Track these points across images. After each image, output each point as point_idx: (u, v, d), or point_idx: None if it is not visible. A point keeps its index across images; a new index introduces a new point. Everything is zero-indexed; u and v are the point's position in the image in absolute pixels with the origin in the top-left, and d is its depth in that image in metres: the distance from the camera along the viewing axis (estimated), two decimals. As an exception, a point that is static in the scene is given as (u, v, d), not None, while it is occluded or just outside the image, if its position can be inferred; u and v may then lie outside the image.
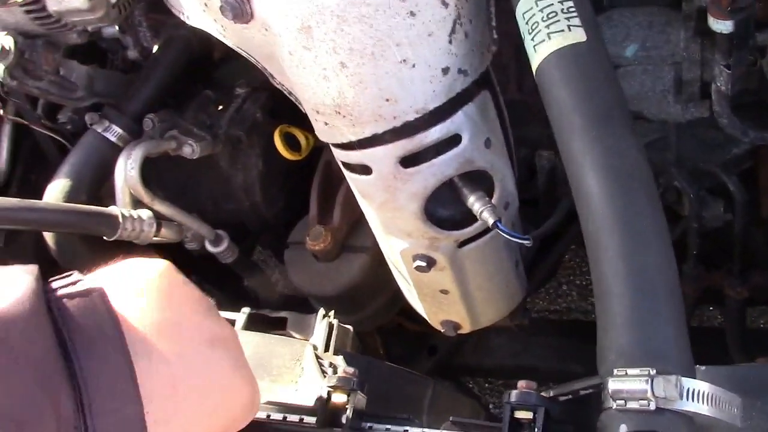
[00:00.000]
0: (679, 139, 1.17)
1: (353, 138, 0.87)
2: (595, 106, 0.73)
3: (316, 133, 0.93)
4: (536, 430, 0.65)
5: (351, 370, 0.73)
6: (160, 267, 0.59)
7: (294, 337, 0.97)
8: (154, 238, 1.12)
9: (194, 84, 1.32)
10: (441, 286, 1.02)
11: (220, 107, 1.31)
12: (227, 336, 0.60)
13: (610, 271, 0.67)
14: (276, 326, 1.05)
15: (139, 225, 1.08)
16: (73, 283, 0.53)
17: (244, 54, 0.95)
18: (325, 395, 0.71)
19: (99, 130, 1.21)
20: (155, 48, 1.31)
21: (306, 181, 1.38)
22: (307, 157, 1.35)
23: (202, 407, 0.56)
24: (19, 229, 0.98)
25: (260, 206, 1.33)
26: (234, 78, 1.35)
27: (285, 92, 0.96)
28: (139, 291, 0.56)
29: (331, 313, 0.98)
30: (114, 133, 1.21)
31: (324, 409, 0.70)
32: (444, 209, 0.93)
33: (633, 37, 1.12)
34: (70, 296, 0.52)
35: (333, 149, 0.93)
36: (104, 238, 1.06)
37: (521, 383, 0.68)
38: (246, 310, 1.08)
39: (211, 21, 0.94)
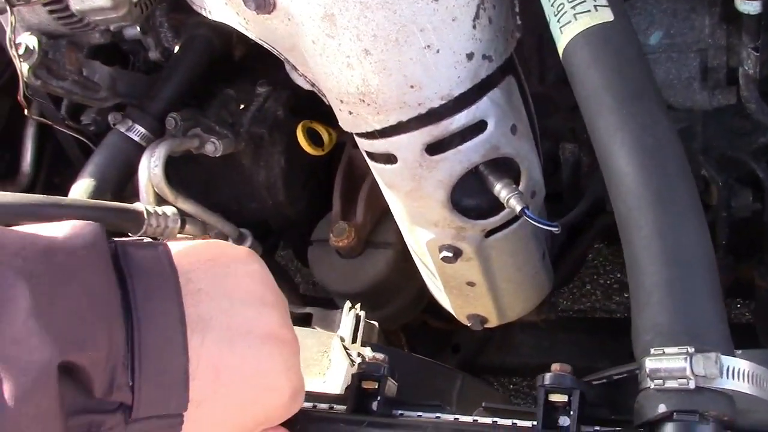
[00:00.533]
0: (706, 127, 1.16)
1: (378, 126, 0.87)
2: (625, 84, 0.72)
3: (340, 123, 0.93)
4: (571, 413, 0.64)
5: (381, 356, 0.72)
6: (241, 252, 0.59)
7: (320, 331, 0.97)
8: (179, 235, 1.11)
9: (215, 83, 1.32)
10: (467, 277, 1.01)
11: (242, 106, 1.31)
12: (283, 336, 0.59)
13: (644, 250, 0.65)
14: (301, 322, 1.04)
15: (163, 221, 1.07)
16: (140, 239, 0.54)
17: (267, 46, 0.94)
18: (355, 382, 0.70)
19: (122, 130, 1.22)
20: (176, 48, 1.31)
21: (328, 179, 1.38)
22: (328, 155, 1.35)
23: (240, 399, 0.56)
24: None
25: (283, 204, 1.32)
26: (255, 77, 1.35)
27: (308, 84, 0.96)
28: (212, 266, 0.56)
29: (357, 305, 0.97)
30: (137, 132, 1.22)
31: (354, 395, 0.69)
32: (470, 198, 0.92)
33: (657, 25, 1.11)
34: (135, 245, 0.53)
35: (357, 139, 0.92)
36: (129, 234, 1.06)
37: (555, 366, 0.67)
38: (270, 306, 1.08)
39: (233, 14, 0.94)
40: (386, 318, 1.31)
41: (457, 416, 0.70)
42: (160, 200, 1.16)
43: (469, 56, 0.83)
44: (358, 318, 0.91)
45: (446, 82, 0.83)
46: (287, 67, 1.25)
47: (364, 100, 0.85)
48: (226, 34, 1.30)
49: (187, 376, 0.51)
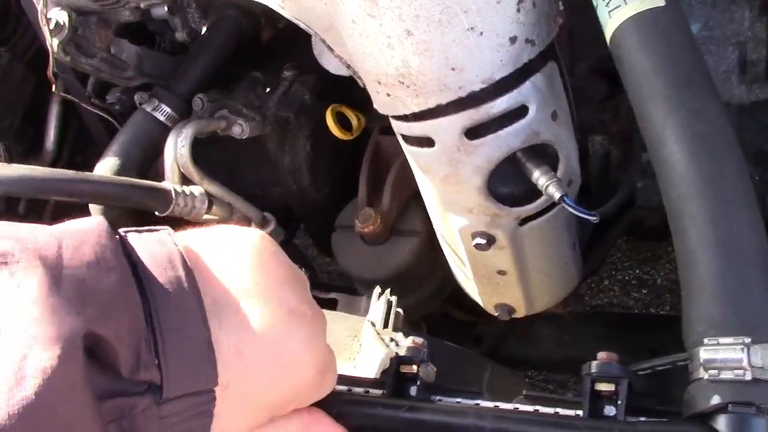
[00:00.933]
0: (741, 121, 1.14)
1: (416, 109, 0.85)
2: (676, 69, 0.70)
3: (375, 105, 0.91)
4: (619, 402, 0.62)
5: (420, 340, 0.70)
6: (252, 234, 0.58)
7: (348, 316, 0.95)
8: (205, 216, 1.10)
9: (242, 66, 1.31)
10: (499, 266, 1.00)
11: (268, 89, 1.30)
12: (304, 311, 0.58)
13: (696, 239, 0.64)
14: (326, 308, 1.03)
15: (191, 201, 1.07)
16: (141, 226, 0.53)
17: (302, 26, 0.93)
18: (393, 366, 0.69)
19: (148, 110, 1.20)
20: (203, 29, 1.30)
21: (353, 165, 1.36)
22: (354, 141, 1.34)
23: (265, 378, 0.54)
24: (72, 201, 0.96)
25: (307, 190, 1.31)
26: (281, 61, 1.34)
27: (342, 66, 0.94)
28: (222, 248, 0.55)
29: (387, 291, 0.96)
30: (163, 112, 1.20)
31: (393, 379, 0.68)
32: (506, 185, 0.91)
33: (696, 17, 1.09)
34: (138, 230, 0.52)
35: (393, 122, 0.91)
36: (156, 213, 1.05)
37: (602, 354, 0.65)
38: (295, 291, 1.07)
39: (270, -8, 0.93)
40: (409, 307, 1.29)
41: (496, 404, 0.68)
42: (186, 181, 1.15)
43: (512, 40, 0.81)
44: (389, 303, 0.90)
45: (488, 66, 0.81)
46: (316, 51, 1.25)
47: (403, 82, 0.84)
48: (254, 16, 1.28)
49: (211, 348, 0.50)
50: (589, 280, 1.86)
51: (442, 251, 1.16)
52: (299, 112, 1.28)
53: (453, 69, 0.81)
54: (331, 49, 0.95)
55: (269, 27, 1.33)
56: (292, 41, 1.35)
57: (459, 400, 0.70)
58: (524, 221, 0.94)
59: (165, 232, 0.53)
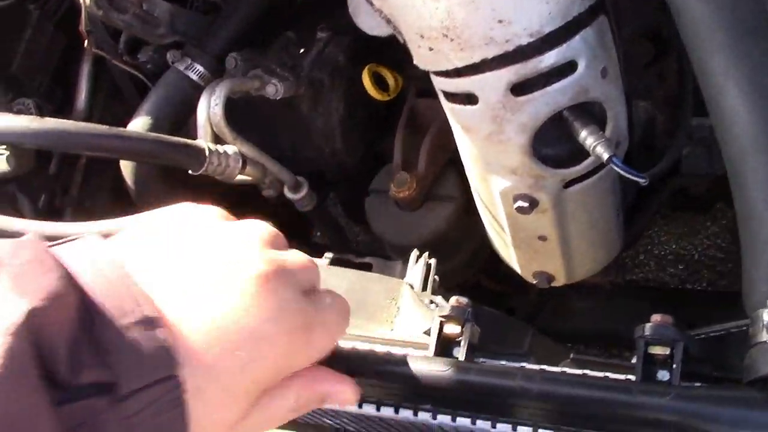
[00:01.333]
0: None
1: (460, 64, 0.82)
2: (739, 20, 0.66)
3: (416, 61, 0.88)
4: (674, 366, 0.60)
5: (464, 300, 0.68)
6: (192, 209, 0.55)
7: (384, 279, 0.93)
8: (239, 176, 1.08)
9: (276, 26, 1.28)
10: (540, 231, 0.97)
11: (302, 50, 1.27)
12: (268, 271, 0.52)
13: (759, 196, 0.60)
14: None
15: (225, 160, 1.04)
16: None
17: (342, -20, 0.90)
18: (437, 326, 0.66)
19: (181, 68, 1.18)
20: (237, -13, 1.27)
21: (385, 130, 1.33)
22: (386, 105, 1.31)
23: (240, 357, 0.50)
24: (106, 157, 0.95)
25: (340, 153, 1.28)
26: (315, 21, 1.31)
27: (382, 22, 0.91)
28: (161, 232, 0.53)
29: (426, 254, 0.93)
30: (196, 71, 1.18)
31: (437, 340, 0.66)
32: (551, 145, 0.87)
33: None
34: (70, 240, 0.51)
35: (435, 78, 0.88)
36: (189, 172, 1.03)
37: (656, 317, 0.62)
38: (329, 254, 1.05)
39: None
40: (442, 275, 1.26)
41: (543, 366, 0.66)
42: (218, 141, 1.13)
43: (563, -10, 0.78)
44: (428, 266, 0.87)
45: (537, 18, 0.78)
46: (351, 10, 1.21)
47: (447, 35, 0.80)
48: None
49: (163, 332, 0.46)
50: (624, 254, 1.82)
51: (478, 218, 1.13)
52: (333, 74, 1.25)
53: (500, 21, 0.78)
54: (371, 3, 0.92)
55: (303, -15, 1.30)
56: (327, 1, 1.31)
57: (504, 362, 0.67)
58: (569, 184, 0.90)
59: (95, 236, 0.51)
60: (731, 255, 1.73)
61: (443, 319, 0.67)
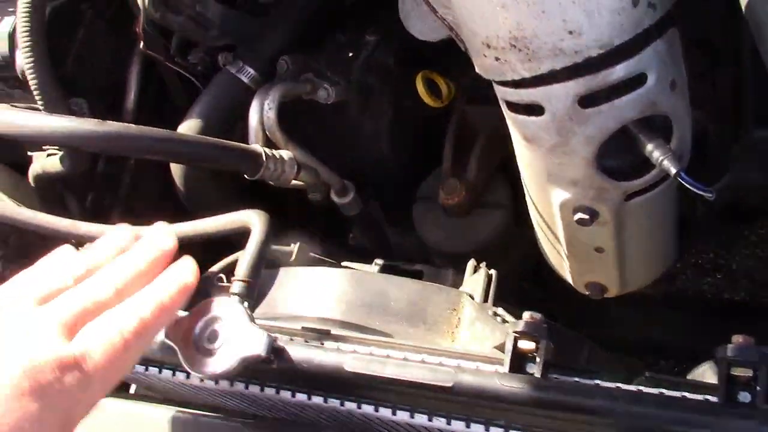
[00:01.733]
0: None
1: (527, 74, 0.81)
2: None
3: (480, 70, 0.88)
4: (757, 389, 0.59)
5: (538, 315, 0.67)
6: None
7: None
8: (294, 181, 1.08)
9: (325, 28, 1.28)
10: (597, 243, 0.96)
11: (351, 53, 1.27)
12: None
13: None
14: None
15: (281, 165, 1.04)
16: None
17: (408, -13, 0.89)
18: (511, 341, 0.66)
19: (233, 71, 1.18)
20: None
21: (432, 137, 1.33)
22: (435, 111, 1.31)
23: None
24: (164, 160, 0.95)
25: (387, 158, 1.28)
26: (364, 24, 1.31)
27: (446, 27, 0.91)
28: None
29: (483, 264, 0.93)
30: (247, 74, 1.18)
31: (512, 355, 0.65)
32: (614, 157, 0.87)
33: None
34: None
35: (498, 88, 0.87)
36: (245, 176, 1.03)
37: (737, 338, 0.61)
38: (379, 261, 1.05)
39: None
40: (487, 282, 1.27)
41: (619, 385, 0.65)
42: (268, 145, 1.13)
43: (634, 2, 0.77)
44: (489, 277, 0.87)
45: (607, 29, 0.77)
46: (402, 14, 1.20)
47: (515, 46, 0.80)
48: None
49: None
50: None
51: (525, 226, 1.13)
52: (383, 79, 1.25)
53: (570, 32, 0.77)
54: (434, 10, 0.92)
55: (354, -10, 1.30)
56: (376, 4, 1.31)
57: (577, 379, 0.67)
58: (630, 196, 0.89)
59: None
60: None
61: (517, 335, 0.66)
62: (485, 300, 0.86)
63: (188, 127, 1.15)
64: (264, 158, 1.02)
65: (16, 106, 1.11)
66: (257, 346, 0.68)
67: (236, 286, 0.74)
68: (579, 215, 0.90)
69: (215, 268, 0.97)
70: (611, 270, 1.01)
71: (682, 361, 1.50)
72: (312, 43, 1.26)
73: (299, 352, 0.70)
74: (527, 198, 1.03)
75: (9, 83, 1.19)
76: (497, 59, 0.83)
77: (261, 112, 1.12)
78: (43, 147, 1.15)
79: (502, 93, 0.87)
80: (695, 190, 0.81)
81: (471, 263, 0.92)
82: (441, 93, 1.20)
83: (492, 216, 1.19)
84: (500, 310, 0.83)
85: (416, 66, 1.28)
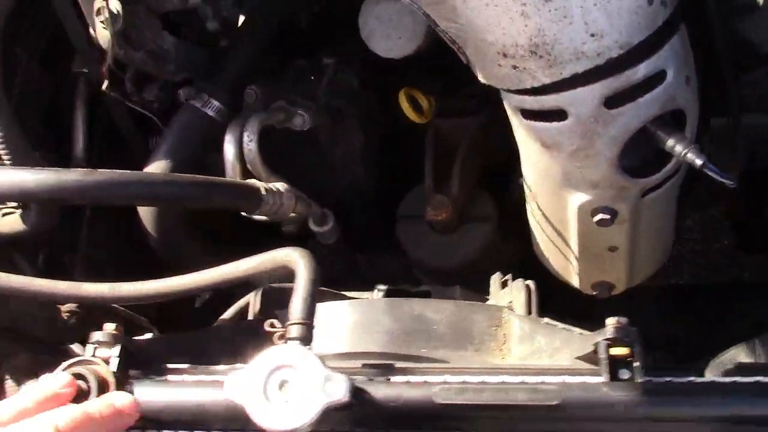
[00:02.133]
0: None
1: (547, 80, 0.81)
2: None
3: (490, 80, 0.86)
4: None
5: (624, 320, 0.66)
6: None
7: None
8: (291, 214, 1.03)
9: (282, 55, 1.24)
10: (612, 242, 0.96)
11: (312, 78, 1.23)
12: None
13: None
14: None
15: (279, 198, 0.99)
16: None
17: (406, 1, 0.87)
18: (604, 349, 0.64)
19: (197, 105, 1.12)
20: (240, 18, 1.22)
21: (396, 153, 1.31)
22: (393, 128, 1.29)
23: None
24: (159, 205, 0.88)
25: (361, 181, 1.25)
26: (318, 47, 1.27)
27: (447, 41, 0.89)
28: None
29: (509, 275, 0.91)
30: (212, 107, 1.12)
31: (608, 363, 0.63)
32: (632, 155, 0.87)
33: None
34: None
35: (513, 96, 0.86)
36: (242, 214, 0.97)
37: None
38: (382, 287, 1.02)
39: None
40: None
41: (714, 378, 0.65)
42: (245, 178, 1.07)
43: (650, 1, 0.78)
44: (528, 288, 0.85)
45: (626, 29, 0.77)
46: (364, 34, 1.17)
47: (535, 52, 0.79)
48: (299, 2, 1.21)
49: None
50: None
51: (511, 237, 1.13)
52: (350, 100, 1.21)
53: (592, 35, 0.77)
54: (435, 24, 0.89)
55: (305, 12, 1.26)
56: (329, 26, 1.28)
57: (669, 378, 0.66)
58: (646, 192, 0.90)
59: None
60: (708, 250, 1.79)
61: (609, 342, 0.65)
62: (529, 312, 0.84)
63: (158, 166, 1.08)
64: (264, 192, 0.97)
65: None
66: (339, 391, 0.63)
67: (295, 330, 0.68)
68: (600, 216, 0.90)
69: (228, 314, 0.91)
70: (621, 267, 1.02)
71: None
72: (270, 71, 1.21)
73: (381, 390, 0.66)
74: (531, 205, 1.03)
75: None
76: (515, 67, 0.82)
77: (238, 145, 1.06)
78: (-4, 205, 1.04)
79: (518, 101, 0.86)
80: (720, 179, 0.82)
81: (496, 277, 0.90)
82: (422, 108, 1.18)
83: (479, 230, 1.18)
84: (546, 320, 0.82)
85: (375, 85, 1.26)
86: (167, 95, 1.17)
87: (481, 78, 0.89)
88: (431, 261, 1.19)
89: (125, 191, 0.83)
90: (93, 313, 0.96)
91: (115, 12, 0.95)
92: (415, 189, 1.22)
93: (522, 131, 0.89)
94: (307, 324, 0.69)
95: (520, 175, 1.22)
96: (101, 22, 0.94)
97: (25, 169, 0.83)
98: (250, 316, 0.89)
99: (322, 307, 0.87)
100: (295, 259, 0.72)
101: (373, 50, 1.17)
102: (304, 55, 1.25)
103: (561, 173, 0.90)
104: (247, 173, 1.07)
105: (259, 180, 1.06)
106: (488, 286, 1.25)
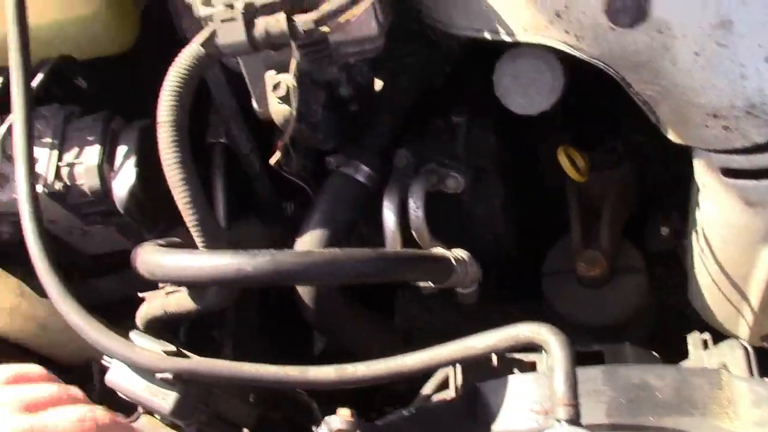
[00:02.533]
0: None
1: (761, 140, 0.81)
2: None
3: (690, 142, 0.86)
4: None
5: None
6: None
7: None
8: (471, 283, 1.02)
9: (421, 115, 1.23)
10: (800, 295, 0.96)
11: (448, 137, 1.23)
12: None
13: None
14: (593, 361, 0.96)
15: (464, 267, 0.98)
16: None
17: (601, 65, 0.87)
18: None
19: (348, 171, 1.11)
20: (376, 83, 1.22)
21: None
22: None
23: None
24: (362, 282, 0.87)
25: (503, 238, 1.24)
26: (450, 106, 1.27)
27: (638, 102, 0.89)
28: None
29: (707, 334, 0.90)
30: (363, 173, 1.11)
31: None
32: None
33: None
34: None
35: (716, 157, 0.86)
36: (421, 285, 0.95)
37: None
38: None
39: (559, 32, 0.87)
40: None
41: None
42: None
43: None
44: (746, 349, 0.84)
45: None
46: (499, 92, 1.17)
47: (751, 113, 0.79)
48: (437, 63, 1.21)
49: None
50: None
51: (659, 289, 1.12)
52: (489, 158, 1.21)
53: (810, 93, 0.77)
54: (628, 85, 0.89)
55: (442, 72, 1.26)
56: (462, 84, 1.28)
57: None
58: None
59: None
60: None
61: None
62: (750, 373, 0.83)
63: (313, 237, 1.07)
64: (454, 262, 0.96)
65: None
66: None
67: (563, 412, 0.67)
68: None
69: (428, 389, 0.90)
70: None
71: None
72: (411, 132, 1.21)
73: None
74: (701, 259, 1.02)
75: (106, 218, 1.07)
76: (726, 128, 0.82)
77: (398, 212, 1.05)
78: (160, 285, 1.03)
79: (723, 161, 0.86)
80: None
81: (695, 336, 0.89)
82: (578, 167, 1.18)
83: (632, 281, 1.17)
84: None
85: (506, 140, 1.26)
86: (313, 163, 1.17)
87: (674, 138, 0.89)
88: (583, 317, 1.18)
89: (341, 271, 0.82)
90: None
91: (292, 87, 0.95)
92: (559, 243, 1.22)
93: (720, 190, 0.89)
94: (575, 406, 0.67)
95: (663, 224, 1.22)
96: (279, 97, 0.94)
97: (241, 253, 0.81)
98: (451, 391, 0.87)
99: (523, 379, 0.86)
100: (547, 337, 0.71)
101: (507, 107, 1.17)
102: (439, 114, 1.25)
103: (760, 230, 0.89)
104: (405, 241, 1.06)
105: (422, 246, 1.05)
106: (634, 340, 1.25)
